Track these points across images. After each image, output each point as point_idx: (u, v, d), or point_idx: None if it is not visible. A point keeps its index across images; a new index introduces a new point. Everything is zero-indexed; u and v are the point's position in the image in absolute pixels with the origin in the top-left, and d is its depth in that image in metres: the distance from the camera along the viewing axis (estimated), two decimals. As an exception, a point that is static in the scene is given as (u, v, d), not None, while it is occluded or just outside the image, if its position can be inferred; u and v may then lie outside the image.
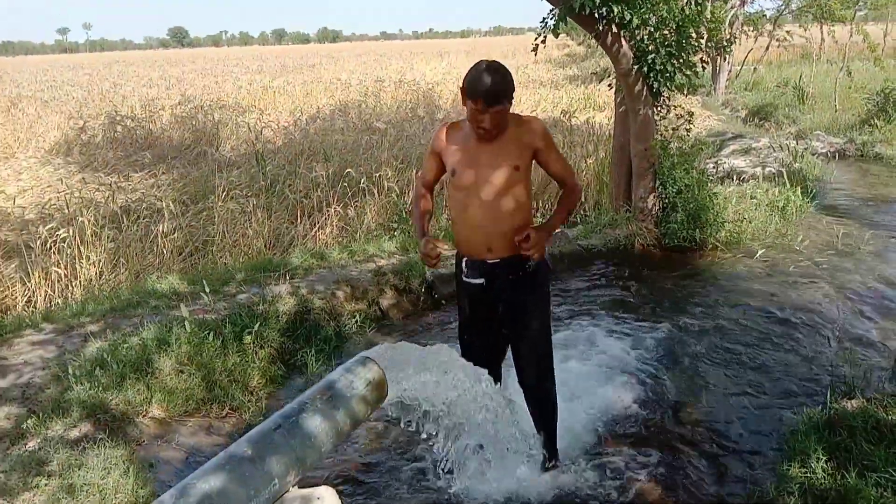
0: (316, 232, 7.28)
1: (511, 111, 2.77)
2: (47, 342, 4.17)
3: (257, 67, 35.03)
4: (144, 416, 3.58)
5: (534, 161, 2.90)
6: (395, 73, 25.09)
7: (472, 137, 2.80)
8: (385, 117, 14.42)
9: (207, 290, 4.61)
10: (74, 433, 3.21)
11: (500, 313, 2.96)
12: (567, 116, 11.48)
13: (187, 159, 11.19)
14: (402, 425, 2.65)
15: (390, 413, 2.59)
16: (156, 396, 3.68)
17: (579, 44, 34.77)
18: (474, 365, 2.79)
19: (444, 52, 43.38)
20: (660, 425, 3.75)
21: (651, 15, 6.14)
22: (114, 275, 6.11)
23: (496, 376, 3.04)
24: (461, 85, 2.71)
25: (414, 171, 8.65)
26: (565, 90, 18.75)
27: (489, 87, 2.58)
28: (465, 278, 2.92)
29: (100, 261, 6.04)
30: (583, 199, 8.50)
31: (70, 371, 3.61)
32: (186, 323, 4.13)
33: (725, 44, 7.74)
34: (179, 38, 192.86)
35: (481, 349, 3.02)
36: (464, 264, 2.92)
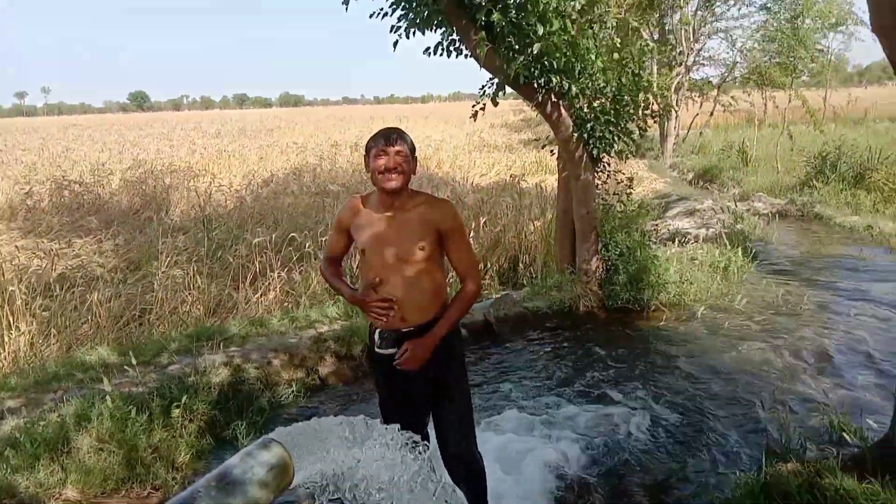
0: (259, 298, 7.16)
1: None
2: (-40, 420, 3.96)
3: (215, 132, 35.05)
4: (58, 499, 3.40)
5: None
6: (354, 138, 25.32)
7: (379, 212, 2.81)
8: (339, 180, 14.48)
9: (134, 361, 4.47)
10: (-25, 521, 3.01)
11: (418, 382, 2.90)
12: (516, 180, 11.65)
13: (134, 224, 11.03)
14: None
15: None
16: (71, 477, 3.50)
17: (533, 109, 35.61)
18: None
19: (403, 117, 44.07)
20: (595, 494, 3.67)
21: (589, 84, 6.32)
22: (45, 346, 5.89)
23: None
24: (364, 154, 2.84)
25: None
26: (518, 154, 19.10)
27: (386, 129, 2.81)
28: (377, 349, 2.87)
29: (30, 331, 5.83)
30: (530, 262, 8.57)
31: (-23, 452, 3.42)
32: (108, 398, 3.96)
33: (666, 110, 7.99)
34: (140, 101, 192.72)
35: (402, 421, 2.94)
36: (377, 336, 2.87)
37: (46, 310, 6.28)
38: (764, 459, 3.64)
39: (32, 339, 5.83)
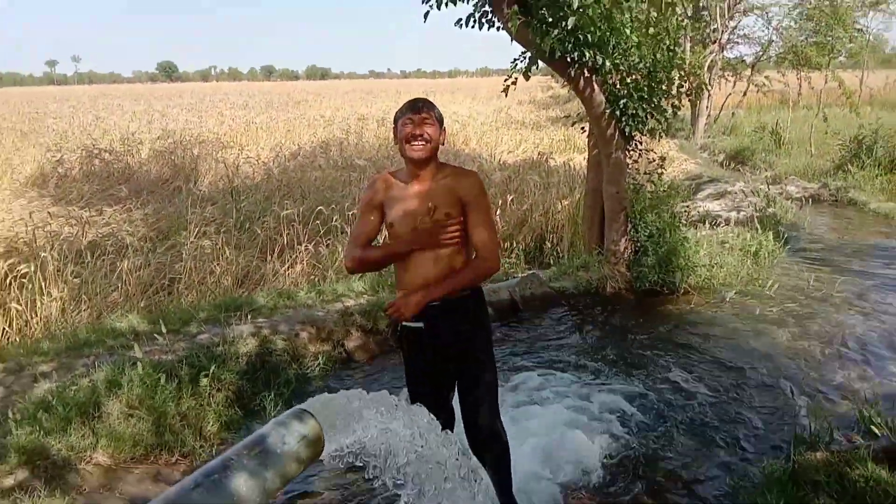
0: (286, 270, 7.20)
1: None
2: (-5, 382, 4.03)
3: (243, 103, 35.14)
4: (88, 462, 3.45)
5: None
6: (380, 112, 25.24)
7: (408, 185, 2.80)
8: (366, 155, 14.46)
9: (164, 329, 4.51)
10: (9, 481, 3.07)
11: (445, 356, 2.89)
12: (544, 157, 11.54)
13: (163, 194, 11.13)
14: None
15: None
16: (101, 441, 3.55)
17: (563, 86, 35.28)
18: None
19: (430, 92, 43.78)
20: (623, 481, 3.65)
21: (623, 60, 6.20)
22: (76, 312, 5.98)
23: (447, 422, 2.95)
24: (392, 125, 2.84)
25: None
26: (546, 131, 18.92)
27: (413, 100, 2.82)
28: (404, 322, 2.86)
29: (61, 297, 5.91)
30: (556, 241, 8.50)
31: (10, 414, 3.47)
32: (139, 364, 4.01)
33: (700, 89, 7.83)
34: (168, 72, 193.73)
35: (428, 394, 2.94)
36: None
37: (77, 276, 6.36)
38: (792, 447, 3.59)
39: (64, 305, 5.92)
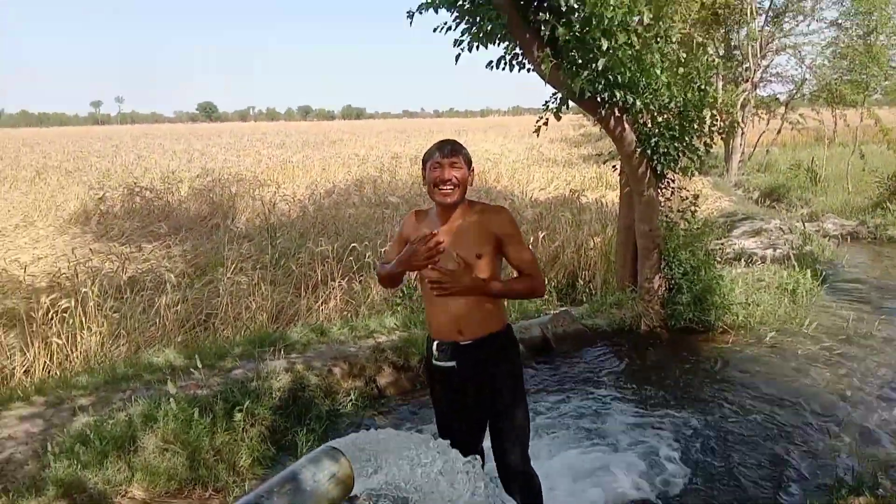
0: (320, 306, 7.27)
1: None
2: (36, 415, 4.12)
3: (280, 142, 35.89)
4: (124, 496, 3.50)
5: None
6: (414, 150, 25.55)
7: (437, 224, 2.82)
8: (399, 192, 14.63)
9: (200, 364, 4.58)
10: (47, 513, 3.13)
11: (476, 394, 2.89)
12: (576, 195, 11.56)
13: (201, 231, 11.36)
14: None
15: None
16: (137, 475, 3.60)
17: (594, 124, 35.33)
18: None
19: (462, 130, 44.30)
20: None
21: (654, 100, 6.23)
22: (115, 346, 6.11)
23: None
24: (421, 166, 2.89)
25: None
26: (578, 169, 18.96)
27: (441, 142, 2.85)
28: (435, 361, 2.87)
29: (101, 332, 6.05)
30: (589, 278, 8.47)
31: (49, 447, 3.55)
32: (173, 399, 4.07)
33: (732, 126, 7.81)
34: (208, 112, 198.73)
35: (459, 433, 2.93)
36: (434, 347, 2.88)
37: (116, 312, 6.51)
38: (834, 491, 3.50)
39: (103, 339, 6.05)
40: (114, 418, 3.96)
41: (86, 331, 5.99)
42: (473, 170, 2.88)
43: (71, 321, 5.98)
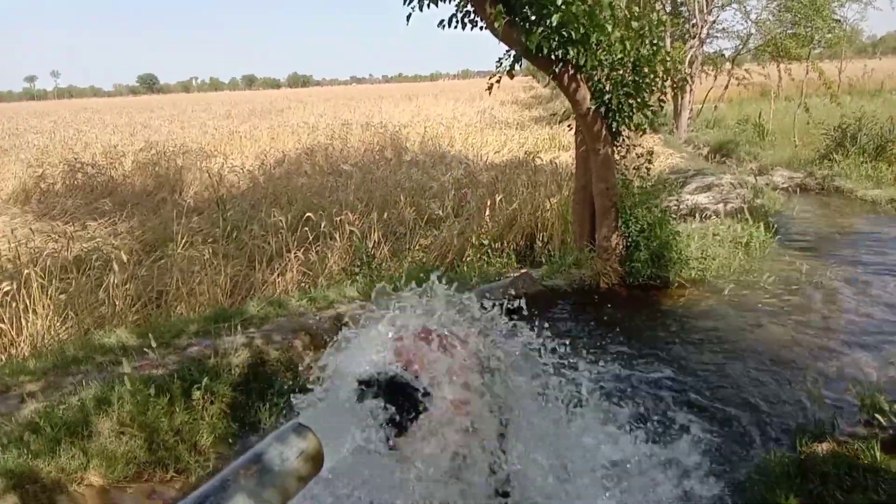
0: (276, 278, 7.11)
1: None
2: (-20, 404, 3.93)
3: (225, 113, 34.93)
4: (80, 483, 3.35)
5: None
6: (363, 117, 25.15)
7: None
8: (352, 160, 14.40)
9: (154, 343, 4.41)
10: (-2, 507, 2.98)
11: None
12: (531, 157, 11.52)
13: (148, 206, 11.01)
14: None
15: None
16: (93, 461, 3.46)
17: (545, 86, 35.34)
18: None
19: (412, 95, 43.78)
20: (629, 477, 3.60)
21: (607, 56, 6.17)
22: (63, 329, 5.87)
23: None
24: None
25: (377, 214, 8.54)
26: (530, 130, 18.90)
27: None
28: None
29: (47, 314, 5.80)
30: (547, 240, 8.47)
31: (-3, 437, 3.38)
32: (128, 380, 3.91)
33: (682, 83, 7.82)
34: (149, 84, 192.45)
35: None
36: None
37: (63, 293, 6.25)
38: (798, 439, 3.56)
39: (50, 322, 5.80)
40: (65, 403, 3.79)
41: (31, 314, 5.73)
42: None
43: (14, 304, 5.71)
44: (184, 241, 7.61)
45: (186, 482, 3.64)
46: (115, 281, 6.39)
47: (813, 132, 15.20)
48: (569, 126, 7.38)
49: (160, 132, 23.25)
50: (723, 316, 5.92)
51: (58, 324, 5.85)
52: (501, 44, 6.14)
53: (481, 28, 6.11)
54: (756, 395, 4.43)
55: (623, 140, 6.74)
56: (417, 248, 8.26)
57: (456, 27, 6.18)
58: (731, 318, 5.85)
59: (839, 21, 19.04)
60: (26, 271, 5.98)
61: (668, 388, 4.57)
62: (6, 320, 5.61)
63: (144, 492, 3.51)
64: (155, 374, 4.26)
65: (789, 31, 18.66)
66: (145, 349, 4.49)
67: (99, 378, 4.16)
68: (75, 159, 14.37)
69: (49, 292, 5.99)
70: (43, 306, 5.83)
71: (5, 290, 5.69)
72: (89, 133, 24.31)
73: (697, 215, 8.63)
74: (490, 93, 6.49)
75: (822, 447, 3.36)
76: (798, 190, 11.55)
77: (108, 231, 9.20)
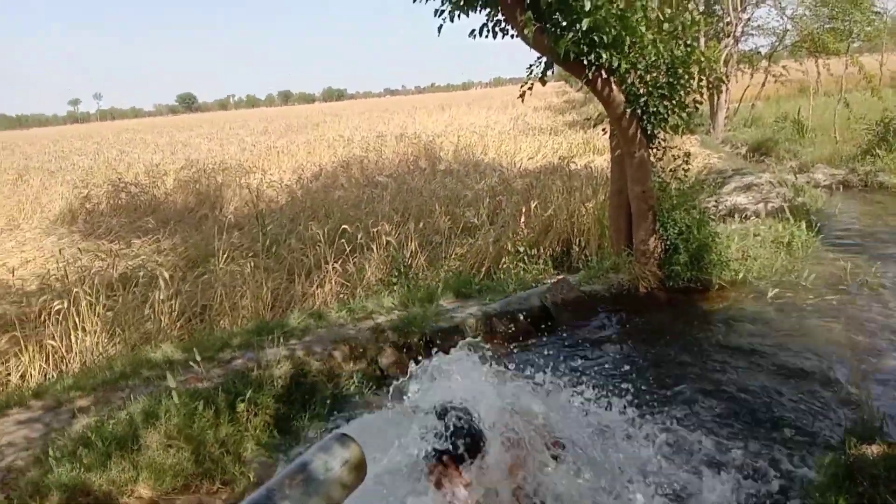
0: (315, 290, 7.20)
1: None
2: (34, 420, 4.06)
3: (262, 129, 35.50)
4: (130, 495, 3.44)
5: None
6: (398, 128, 25.33)
7: None
8: (387, 171, 14.51)
9: (199, 358, 4.51)
10: (53, 519, 3.07)
11: None
12: (565, 162, 11.48)
13: (190, 223, 11.24)
14: None
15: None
16: (142, 474, 3.54)
17: (578, 90, 35.16)
18: None
19: (445, 105, 43.91)
20: (673, 476, 3.55)
21: (640, 58, 6.13)
22: (111, 345, 6.02)
23: None
24: None
25: (413, 224, 8.59)
26: (564, 136, 18.82)
27: None
28: None
29: (95, 331, 5.96)
30: (584, 245, 8.43)
31: (50, 452, 3.48)
32: (174, 394, 4.00)
33: (717, 82, 7.72)
34: (188, 103, 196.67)
35: None
36: None
37: (110, 310, 6.42)
38: (846, 441, 3.48)
39: (98, 338, 5.96)
40: (115, 418, 3.90)
41: (80, 331, 5.90)
42: None
43: (64, 322, 5.89)
44: (225, 256, 7.76)
45: (232, 493, 3.70)
46: (160, 297, 6.53)
47: (854, 127, 14.86)
48: (603, 130, 7.34)
49: (200, 150, 23.72)
50: (767, 318, 5.81)
51: (105, 340, 6.01)
52: (533, 51, 6.16)
53: (512, 36, 6.13)
54: (801, 397, 4.35)
55: (659, 142, 6.68)
56: (453, 256, 8.28)
57: (487, 36, 6.21)
58: (776, 321, 5.73)
59: (879, 13, 18.62)
60: (75, 290, 6.16)
61: (714, 395, 4.50)
62: (56, 338, 5.78)
63: (192, 503, 3.57)
64: (200, 388, 4.35)
65: (827, 26, 18.31)
66: (190, 363, 4.59)
67: (146, 392, 4.26)
68: (119, 179, 14.75)
69: (97, 310, 6.16)
70: (91, 323, 6.00)
71: (56, 308, 5.87)
72: (132, 153, 24.93)
73: (737, 216, 8.50)
74: (523, 100, 6.50)
75: (872, 449, 3.28)
76: (840, 187, 11.30)
77: (151, 248, 9.41)
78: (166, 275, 6.70)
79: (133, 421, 3.85)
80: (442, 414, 2.50)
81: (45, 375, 5.58)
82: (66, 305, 5.92)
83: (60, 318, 5.90)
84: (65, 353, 5.77)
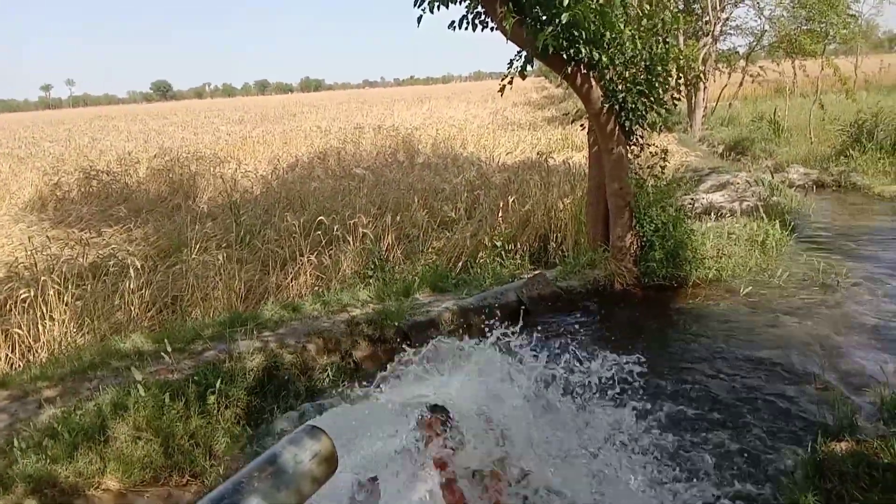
0: (289, 282, 7.13)
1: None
2: (0, 410, 3.96)
3: (238, 118, 35.11)
4: (97, 488, 3.37)
5: None
6: (376, 120, 25.20)
7: None
8: (364, 163, 14.40)
9: (169, 348, 4.44)
10: (16, 512, 3.00)
11: None
12: (543, 157, 11.48)
13: (162, 212, 11.07)
14: None
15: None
16: (110, 466, 3.48)
17: (557, 86, 35.26)
18: None
19: (424, 98, 43.80)
20: (650, 472, 3.56)
21: (619, 54, 6.13)
22: (80, 334, 5.91)
23: None
24: None
25: (390, 217, 8.54)
26: (543, 131, 18.84)
27: None
28: None
29: (64, 320, 5.84)
30: (560, 240, 8.44)
31: (16, 442, 3.40)
32: (141, 386, 3.93)
33: (696, 80, 7.77)
34: (163, 91, 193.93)
35: None
36: None
37: (79, 299, 6.29)
38: (817, 438, 3.51)
39: (66, 328, 5.85)
40: (82, 409, 3.82)
41: (48, 320, 5.79)
42: None
43: (32, 311, 5.77)
44: (198, 246, 7.65)
45: (202, 486, 3.66)
46: (131, 287, 6.43)
47: (829, 128, 15.08)
48: (581, 126, 7.34)
49: (174, 138, 23.40)
50: (739, 315, 5.86)
51: (74, 330, 5.90)
52: (513, 45, 6.14)
53: (492, 29, 6.10)
54: (772, 395, 4.38)
55: (636, 139, 6.70)
56: (430, 250, 8.25)
57: (467, 28, 6.18)
58: (748, 318, 5.78)
59: (854, 16, 18.87)
60: (43, 278, 6.04)
61: (685, 391, 4.52)
62: (24, 327, 5.67)
63: (161, 496, 3.52)
64: (170, 379, 4.28)
65: (804, 28, 18.52)
66: (161, 354, 4.52)
67: (115, 383, 4.19)
68: (90, 167, 14.48)
69: (65, 299, 6.04)
70: (60, 313, 5.88)
71: (23, 297, 5.75)
72: (104, 140, 24.53)
73: (713, 214, 8.56)
74: (502, 94, 6.48)
75: (841, 446, 3.32)
76: (814, 187, 11.45)
77: (123, 237, 9.24)
78: (137, 264, 6.59)
79: (101, 412, 3.77)
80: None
81: (11, 365, 5.46)
82: (33, 294, 5.79)
83: (27, 307, 5.78)
84: (32, 343, 5.65)
